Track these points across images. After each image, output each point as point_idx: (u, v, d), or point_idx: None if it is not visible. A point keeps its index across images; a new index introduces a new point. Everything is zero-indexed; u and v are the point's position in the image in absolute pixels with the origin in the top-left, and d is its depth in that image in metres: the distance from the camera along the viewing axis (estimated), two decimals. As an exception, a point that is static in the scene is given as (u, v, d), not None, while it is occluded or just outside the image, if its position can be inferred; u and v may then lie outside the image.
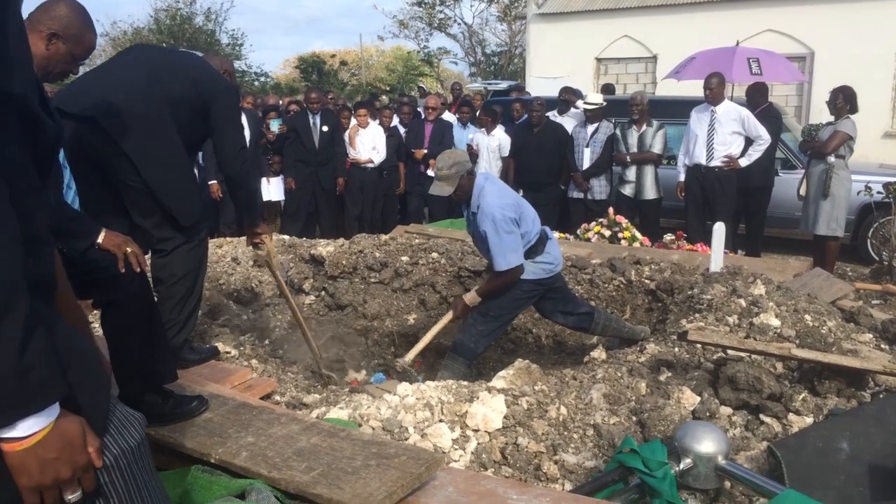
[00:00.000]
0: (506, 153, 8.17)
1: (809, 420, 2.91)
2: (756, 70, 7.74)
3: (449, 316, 4.26)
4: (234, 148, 3.39)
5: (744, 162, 6.73)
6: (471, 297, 4.17)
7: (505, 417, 2.94)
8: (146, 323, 2.49)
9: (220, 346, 3.91)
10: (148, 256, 3.42)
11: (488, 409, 2.94)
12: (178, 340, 3.36)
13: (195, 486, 2.13)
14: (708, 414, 2.98)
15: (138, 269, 2.38)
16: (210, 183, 7.25)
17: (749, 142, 6.77)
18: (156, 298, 3.09)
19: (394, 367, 4.34)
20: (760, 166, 7.01)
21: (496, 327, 4.24)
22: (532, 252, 4.07)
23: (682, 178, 7.06)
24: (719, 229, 4.85)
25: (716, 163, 6.73)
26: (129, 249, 2.37)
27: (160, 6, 29.82)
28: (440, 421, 2.93)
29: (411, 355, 4.18)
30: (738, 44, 8.05)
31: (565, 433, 2.93)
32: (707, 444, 2.54)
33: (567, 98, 8.54)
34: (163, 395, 2.66)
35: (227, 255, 5.70)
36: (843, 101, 6.29)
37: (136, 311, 2.44)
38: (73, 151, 3.06)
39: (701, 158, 6.79)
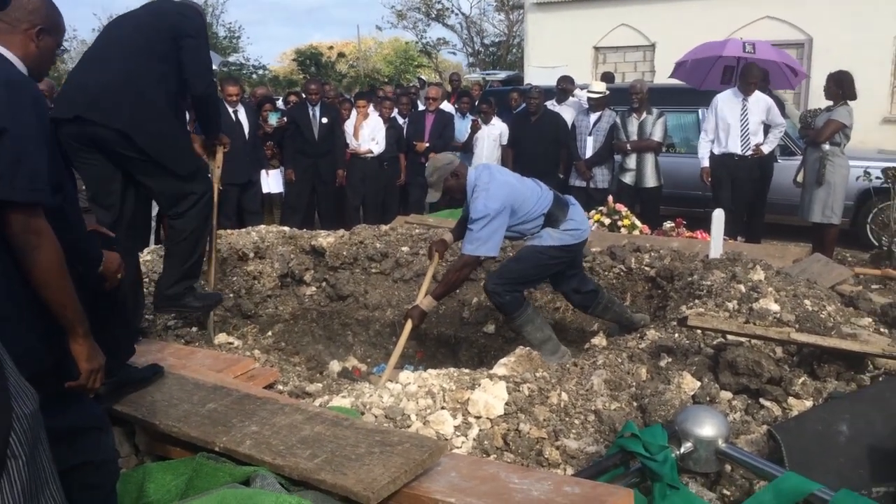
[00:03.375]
0: (505, 142, 8.19)
1: (809, 404, 2.93)
2: (749, 49, 7.76)
3: (409, 326, 4.11)
4: (203, 65, 3.58)
5: (766, 149, 6.84)
6: (427, 303, 4.12)
7: (506, 404, 2.96)
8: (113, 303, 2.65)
9: (223, 337, 3.94)
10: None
11: (490, 395, 2.97)
12: (177, 290, 3.63)
13: (200, 473, 2.15)
14: (708, 398, 3.00)
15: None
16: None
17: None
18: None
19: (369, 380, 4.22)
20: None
21: (523, 281, 4.23)
22: (552, 220, 4.06)
23: (705, 164, 7.03)
24: (718, 216, 4.86)
25: (749, 151, 6.80)
26: (119, 276, 2.48)
27: (156, -1, 29.73)
28: (442, 408, 2.95)
29: (385, 377, 3.96)
30: (742, 41, 8.09)
31: (566, 419, 2.96)
32: (707, 427, 2.56)
33: (565, 87, 8.53)
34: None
35: (230, 247, 5.69)
36: (836, 87, 6.31)
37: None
38: (72, 144, 3.25)
39: (736, 148, 6.80)
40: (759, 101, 6.81)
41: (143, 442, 2.83)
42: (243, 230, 6.16)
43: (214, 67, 9.89)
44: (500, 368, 3.29)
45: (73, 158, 3.34)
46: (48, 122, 1.90)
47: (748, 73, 6.86)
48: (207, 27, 3.78)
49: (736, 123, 6.80)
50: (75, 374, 2.00)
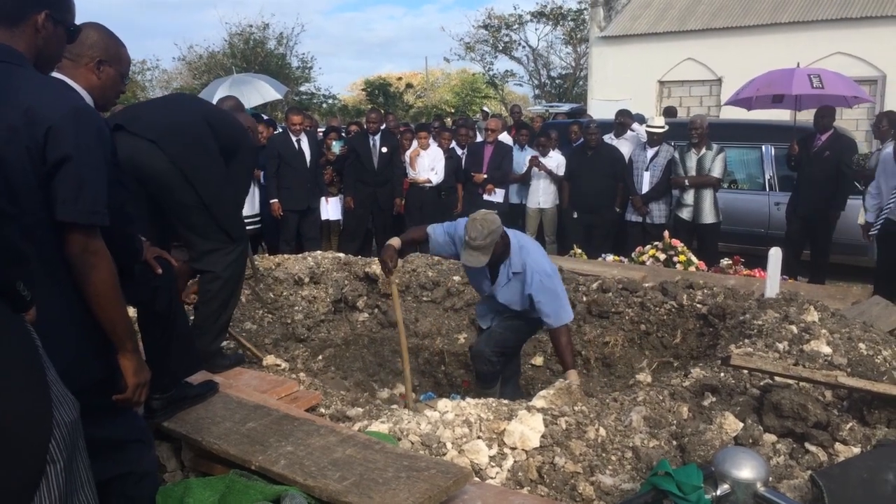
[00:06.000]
0: (561, 174, 8.22)
1: (857, 450, 2.84)
2: (818, 84, 7.52)
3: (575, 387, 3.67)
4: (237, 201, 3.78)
5: None
6: (575, 376, 3.83)
7: (543, 437, 2.95)
8: (167, 321, 2.81)
9: (272, 359, 4.03)
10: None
11: (526, 427, 2.96)
12: (213, 347, 3.62)
13: (233, 490, 2.22)
14: (751, 440, 2.94)
15: (160, 271, 2.67)
16: (271, 202, 7.47)
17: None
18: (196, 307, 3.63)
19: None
20: (826, 191, 6.87)
21: (510, 351, 4.39)
22: None
23: (868, 218, 6.17)
24: (775, 254, 4.76)
25: None
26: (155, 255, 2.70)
27: (235, 31, 30.92)
28: (478, 437, 2.96)
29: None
30: (798, 65, 7.88)
31: (603, 455, 2.93)
32: (746, 470, 2.49)
33: (623, 121, 8.51)
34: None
35: (286, 270, 5.84)
36: (889, 125, 6.09)
37: (160, 310, 2.76)
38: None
39: None
40: None
41: (189, 458, 2.92)
42: (300, 255, 6.31)
43: (280, 97, 10.20)
44: (538, 401, 3.28)
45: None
46: (109, 147, 2.02)
47: None
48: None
49: None
50: (122, 388, 2.10)
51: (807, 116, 8.20)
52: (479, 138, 9.37)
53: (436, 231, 4.17)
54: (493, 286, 4.07)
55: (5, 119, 1.78)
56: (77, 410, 1.64)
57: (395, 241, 4.17)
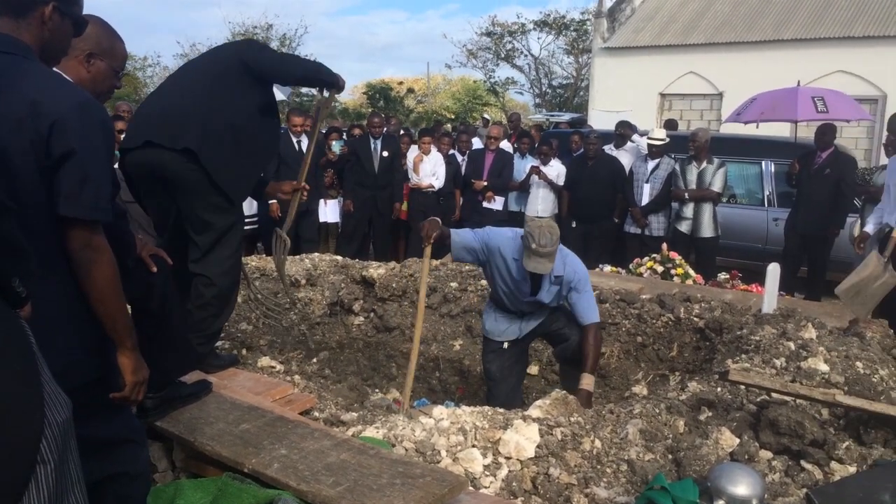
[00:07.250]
0: (562, 184, 8.23)
1: (852, 469, 2.83)
2: (822, 108, 7.55)
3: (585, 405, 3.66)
4: (284, 62, 3.69)
5: None
6: (590, 382, 3.88)
7: (538, 447, 2.94)
8: (161, 319, 2.73)
9: (266, 361, 4.01)
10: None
11: (522, 437, 2.94)
12: (205, 350, 3.57)
13: (225, 493, 2.19)
14: (747, 456, 2.92)
15: (155, 269, 2.62)
16: (270, 203, 7.44)
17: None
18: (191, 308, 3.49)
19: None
20: (825, 209, 6.88)
21: None
22: None
23: (868, 228, 5.93)
24: (773, 270, 4.75)
25: None
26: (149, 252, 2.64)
27: (238, 31, 30.89)
28: (473, 446, 2.94)
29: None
30: (798, 84, 7.89)
31: (598, 466, 2.91)
32: (742, 486, 2.49)
33: (623, 132, 8.52)
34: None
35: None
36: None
37: (153, 307, 2.68)
38: (139, 172, 3.36)
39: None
40: None
41: (180, 458, 2.90)
42: (297, 257, 6.29)
43: (285, 98, 10.17)
44: (534, 410, 3.26)
45: (139, 186, 3.49)
46: (113, 142, 2.00)
47: None
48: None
49: None
50: (119, 386, 2.07)
51: (807, 133, 8.23)
52: (478, 145, 9.36)
53: (462, 234, 4.09)
54: (538, 291, 4.03)
55: (10, 111, 1.76)
56: (69, 410, 1.61)
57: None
